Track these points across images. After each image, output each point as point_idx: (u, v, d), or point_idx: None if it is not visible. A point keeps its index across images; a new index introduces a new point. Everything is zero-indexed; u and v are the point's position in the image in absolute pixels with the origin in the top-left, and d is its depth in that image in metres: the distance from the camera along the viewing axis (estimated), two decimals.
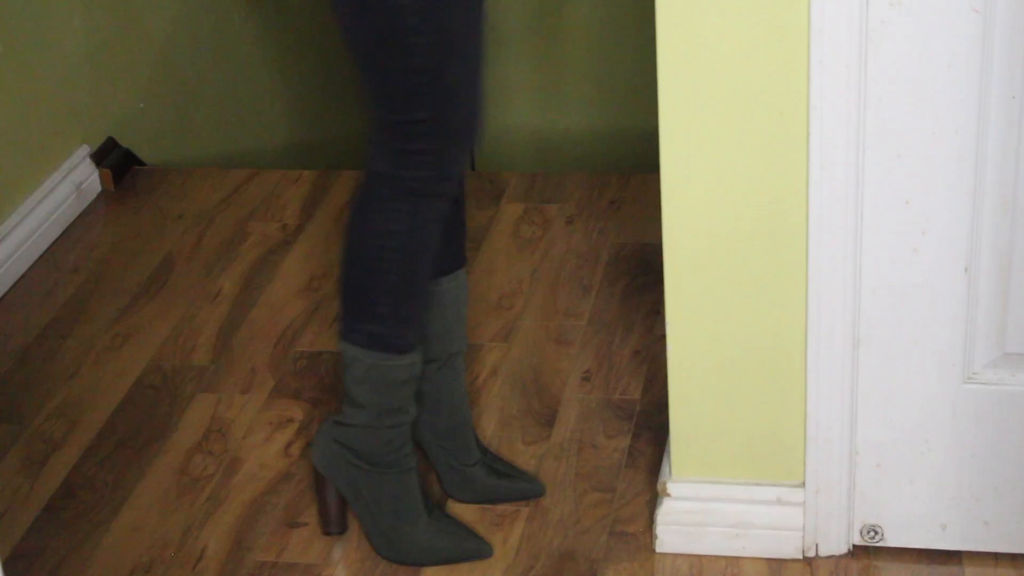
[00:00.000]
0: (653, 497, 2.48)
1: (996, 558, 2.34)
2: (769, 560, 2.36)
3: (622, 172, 3.43)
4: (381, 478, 2.35)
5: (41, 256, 3.28)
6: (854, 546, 2.37)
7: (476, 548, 2.40)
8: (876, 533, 2.35)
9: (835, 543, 2.35)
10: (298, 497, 2.55)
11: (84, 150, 3.50)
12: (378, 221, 2.22)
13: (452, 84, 2.15)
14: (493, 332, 2.92)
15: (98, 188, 3.50)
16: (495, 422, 2.69)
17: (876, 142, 2.12)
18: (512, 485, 2.51)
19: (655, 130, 2.16)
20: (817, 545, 2.35)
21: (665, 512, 2.38)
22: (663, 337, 2.31)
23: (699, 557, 2.38)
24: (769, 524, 2.35)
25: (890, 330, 2.22)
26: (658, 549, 2.39)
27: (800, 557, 2.36)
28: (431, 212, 2.22)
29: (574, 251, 3.17)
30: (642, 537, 2.43)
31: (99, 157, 3.52)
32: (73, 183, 3.42)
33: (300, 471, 2.61)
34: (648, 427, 2.65)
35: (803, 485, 2.33)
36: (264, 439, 2.69)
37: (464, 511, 2.48)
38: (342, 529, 2.44)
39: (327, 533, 2.44)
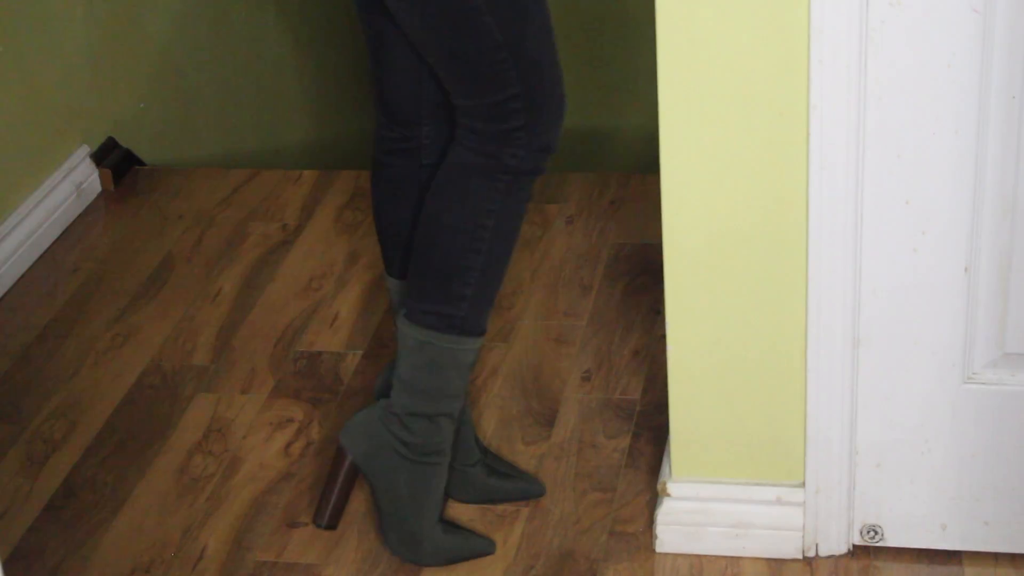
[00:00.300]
0: (653, 497, 2.48)
1: (996, 558, 2.34)
2: (769, 560, 2.36)
3: (622, 172, 3.43)
4: (424, 470, 2.33)
5: (41, 256, 3.28)
6: (854, 546, 2.37)
7: (484, 545, 2.40)
8: (876, 533, 2.35)
9: (835, 543, 2.35)
10: (298, 497, 2.55)
11: (84, 150, 3.50)
12: (476, 201, 2.22)
13: (534, 52, 2.15)
14: (493, 332, 2.92)
15: (98, 188, 3.50)
16: (495, 422, 2.69)
17: (876, 142, 2.12)
18: (512, 485, 2.51)
19: (655, 130, 2.16)
20: (817, 545, 2.35)
21: (665, 512, 2.38)
22: (663, 337, 2.31)
23: (699, 557, 2.38)
24: (769, 524, 2.35)
25: (890, 330, 2.22)
26: (658, 549, 2.39)
27: (800, 557, 2.36)
28: (525, 191, 2.25)
29: (574, 251, 3.17)
30: (642, 537, 2.43)
31: (99, 157, 3.52)
32: (73, 183, 3.42)
33: (300, 471, 2.61)
34: (648, 427, 2.65)
35: (803, 485, 2.33)
36: (264, 439, 2.69)
37: (464, 511, 2.48)
38: (334, 525, 2.42)
39: (317, 524, 2.42)
